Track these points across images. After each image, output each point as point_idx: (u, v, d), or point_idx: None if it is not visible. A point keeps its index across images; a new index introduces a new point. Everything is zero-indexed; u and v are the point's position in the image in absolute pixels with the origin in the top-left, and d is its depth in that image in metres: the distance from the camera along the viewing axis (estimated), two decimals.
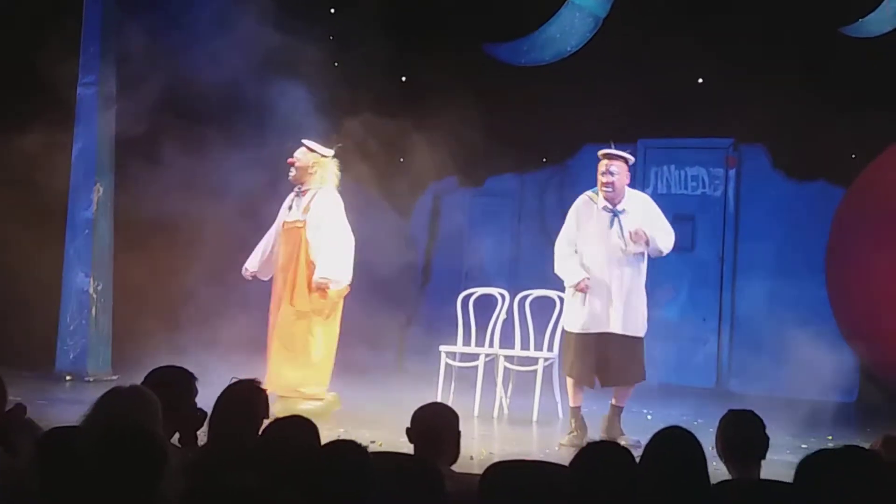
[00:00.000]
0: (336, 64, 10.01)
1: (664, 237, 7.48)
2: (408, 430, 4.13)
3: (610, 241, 7.45)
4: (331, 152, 8.18)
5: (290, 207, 8.13)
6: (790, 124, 10.04)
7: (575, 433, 7.36)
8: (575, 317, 7.52)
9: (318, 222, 7.97)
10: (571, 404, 7.54)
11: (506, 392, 8.64)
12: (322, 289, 7.87)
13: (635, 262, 7.47)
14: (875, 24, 9.30)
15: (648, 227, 7.43)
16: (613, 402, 7.48)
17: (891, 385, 9.12)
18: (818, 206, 10.33)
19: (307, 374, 7.89)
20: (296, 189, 8.16)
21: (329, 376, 8.01)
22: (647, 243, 7.41)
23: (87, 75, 9.88)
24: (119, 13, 9.91)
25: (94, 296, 9.86)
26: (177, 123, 9.84)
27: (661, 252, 7.50)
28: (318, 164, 8.10)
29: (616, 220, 7.47)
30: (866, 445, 3.66)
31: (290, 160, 8.12)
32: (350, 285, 8.10)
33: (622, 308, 7.40)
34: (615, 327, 7.41)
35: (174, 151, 9.83)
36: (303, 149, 8.13)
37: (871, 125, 9.19)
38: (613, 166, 7.48)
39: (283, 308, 7.97)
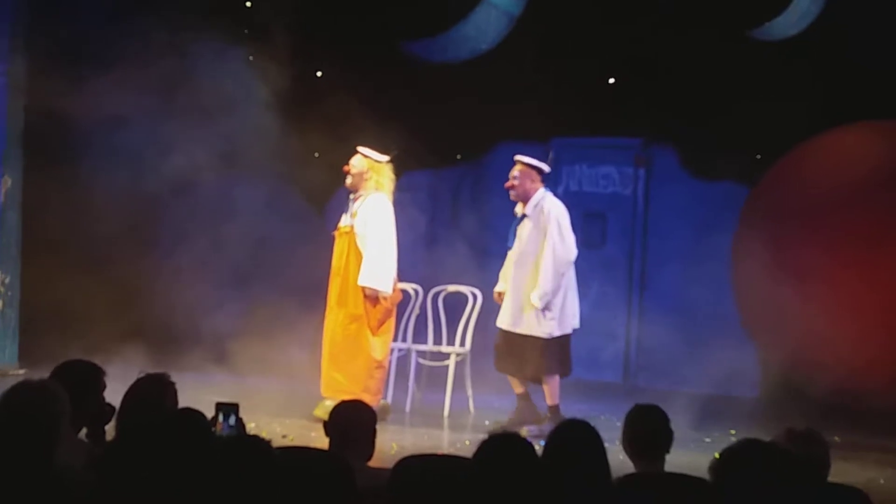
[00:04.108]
0: (251, 58, 9.96)
1: (545, 254, 7.68)
2: (325, 424, 4.20)
3: (516, 244, 7.90)
4: (386, 158, 8.11)
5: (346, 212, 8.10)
6: (697, 125, 10.23)
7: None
8: None
9: (363, 229, 7.93)
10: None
11: (418, 387, 8.70)
12: (371, 297, 7.84)
13: (530, 264, 7.76)
14: (781, 27, 9.53)
15: (530, 242, 7.75)
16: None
17: (792, 380, 9.35)
18: (724, 205, 10.52)
19: (358, 380, 7.79)
20: (351, 195, 8.11)
21: (382, 383, 7.99)
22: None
23: None
24: (31, 3, 9.75)
25: (2, 289, 9.70)
26: (89, 117, 9.71)
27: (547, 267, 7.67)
28: (372, 169, 8.05)
29: (518, 224, 7.90)
30: (768, 439, 3.77)
31: (345, 167, 8.07)
32: (402, 291, 8.29)
33: (512, 306, 7.82)
34: (505, 323, 7.88)
35: (87, 144, 9.71)
36: (358, 156, 8.07)
37: (775, 127, 9.43)
38: (515, 171, 7.91)
39: (333, 313, 7.94)
